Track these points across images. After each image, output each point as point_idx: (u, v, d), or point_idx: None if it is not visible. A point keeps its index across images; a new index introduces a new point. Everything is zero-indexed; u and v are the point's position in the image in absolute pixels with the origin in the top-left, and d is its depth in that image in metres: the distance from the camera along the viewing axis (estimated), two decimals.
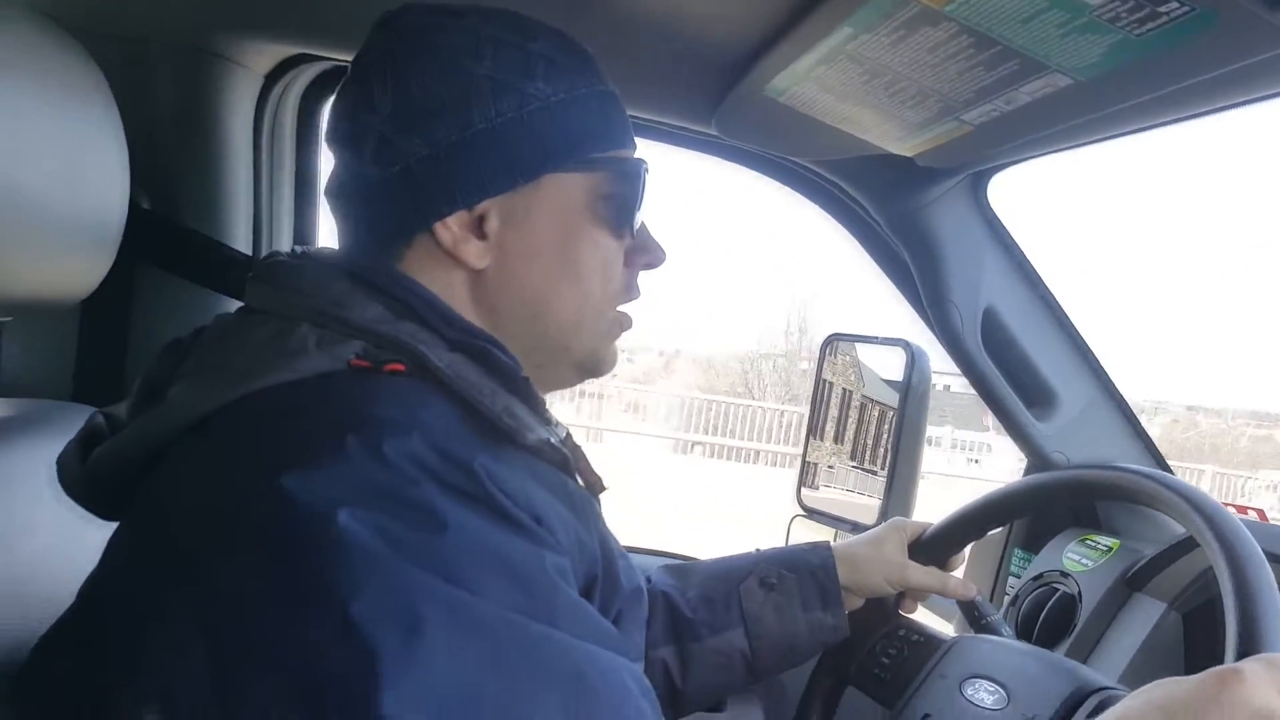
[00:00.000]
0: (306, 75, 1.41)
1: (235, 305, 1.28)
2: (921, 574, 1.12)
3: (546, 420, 0.73)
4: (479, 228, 0.74)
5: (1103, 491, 1.07)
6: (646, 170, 0.81)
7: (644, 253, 0.84)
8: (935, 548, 1.13)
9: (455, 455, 0.59)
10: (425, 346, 0.67)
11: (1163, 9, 0.65)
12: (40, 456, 0.73)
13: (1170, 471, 1.42)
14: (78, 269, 0.87)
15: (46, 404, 1.01)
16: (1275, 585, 0.81)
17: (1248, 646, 0.77)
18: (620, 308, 0.84)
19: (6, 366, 1.22)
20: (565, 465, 0.72)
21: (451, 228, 0.73)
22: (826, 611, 1.06)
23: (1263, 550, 0.84)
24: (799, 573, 1.08)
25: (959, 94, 0.87)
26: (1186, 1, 0.63)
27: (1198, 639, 1.23)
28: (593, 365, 0.82)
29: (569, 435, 0.77)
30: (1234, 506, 1.48)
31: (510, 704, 0.52)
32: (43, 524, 0.80)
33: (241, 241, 1.34)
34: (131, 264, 1.23)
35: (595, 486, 0.79)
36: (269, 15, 1.23)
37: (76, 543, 0.64)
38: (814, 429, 1.64)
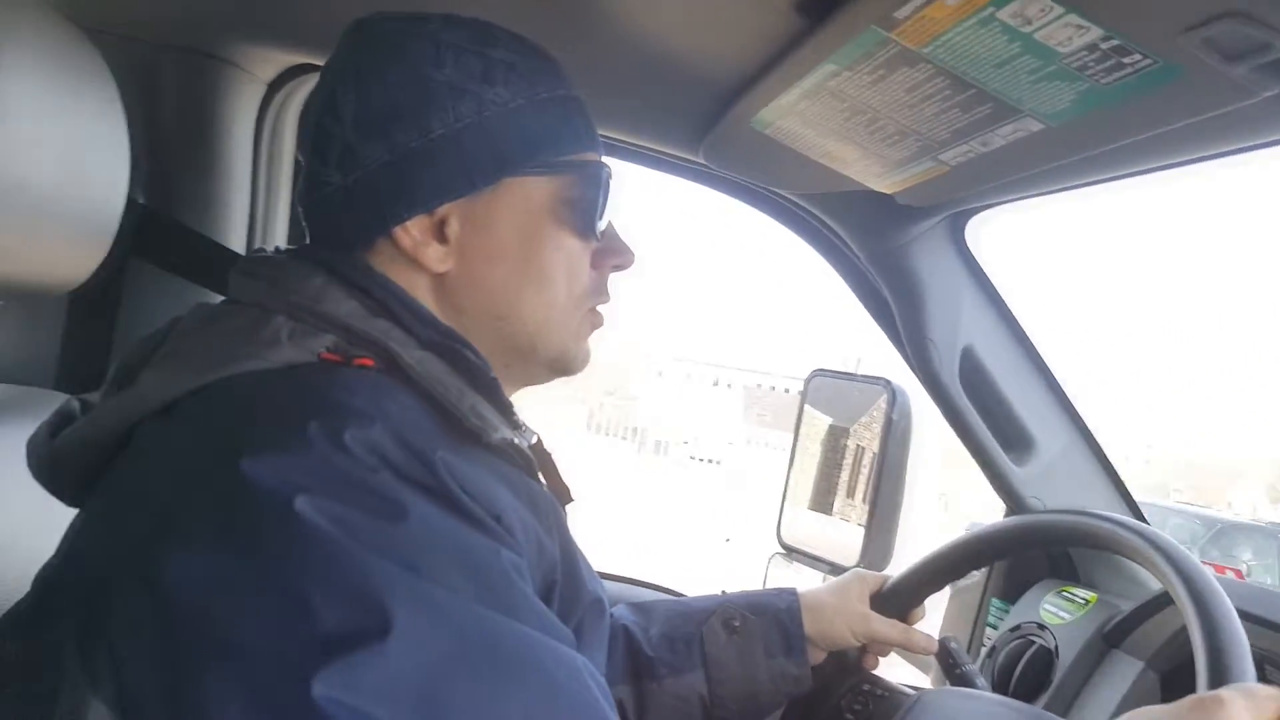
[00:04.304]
0: (309, 84, 1.41)
1: None
2: (885, 626, 1.10)
3: (515, 424, 0.73)
4: (440, 232, 0.75)
5: (1065, 537, 1.07)
6: (609, 174, 0.81)
7: (612, 255, 0.84)
8: (897, 599, 1.12)
9: (416, 447, 0.59)
10: (396, 344, 0.68)
11: (1127, 60, 0.67)
12: (16, 441, 0.73)
13: (1144, 520, 1.43)
14: (71, 259, 0.88)
15: (28, 390, 1.02)
16: (1238, 619, 0.82)
17: (1218, 679, 0.78)
18: (592, 307, 0.84)
19: None
20: (530, 468, 0.72)
21: (411, 232, 0.74)
22: (789, 659, 1.05)
23: (1237, 609, 0.84)
24: (764, 616, 1.06)
25: (936, 134, 0.90)
26: (1150, 54, 0.66)
27: (1175, 700, 1.23)
28: (563, 364, 0.83)
29: (539, 441, 0.78)
30: (1211, 565, 1.49)
31: (472, 693, 0.51)
32: (14, 506, 0.81)
33: (236, 241, 1.35)
34: (123, 258, 1.21)
35: (563, 495, 0.79)
36: (277, 23, 1.25)
37: (49, 527, 0.64)
38: (795, 464, 1.64)
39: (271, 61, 1.36)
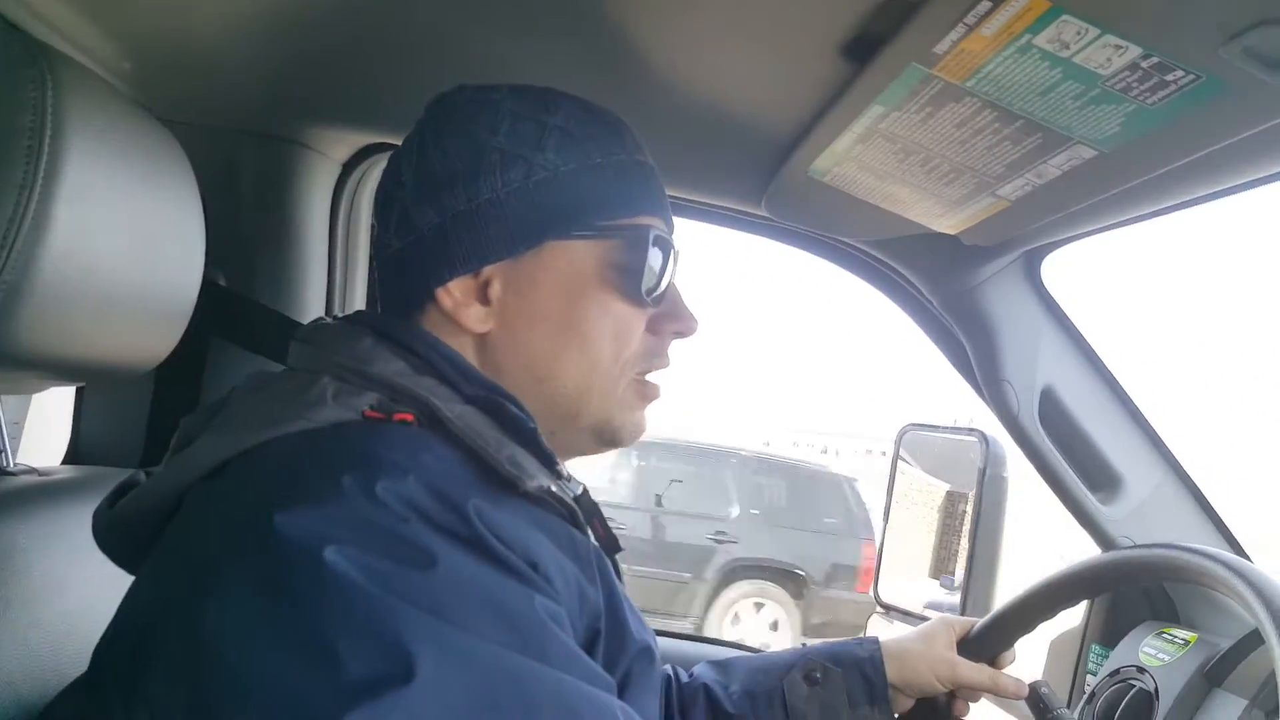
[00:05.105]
0: (383, 163, 1.45)
1: None
2: (972, 671, 1.08)
3: (557, 474, 0.73)
4: (483, 293, 0.77)
5: (1152, 571, 1.02)
6: (664, 238, 0.81)
7: (672, 320, 0.83)
8: (985, 643, 1.10)
9: (448, 497, 0.60)
10: (439, 399, 0.69)
11: (1170, 77, 0.66)
12: (88, 518, 0.75)
13: (1246, 557, 1.36)
14: (148, 340, 0.91)
15: (113, 471, 1.04)
16: None
17: None
18: (649, 376, 0.83)
19: (85, 433, 1.30)
20: (573, 517, 0.72)
21: (453, 293, 0.76)
22: (874, 707, 1.04)
23: None
24: (845, 667, 1.05)
25: (990, 169, 0.89)
26: (1191, 69, 0.65)
27: None
28: (610, 434, 0.82)
29: (585, 492, 0.77)
30: None
31: None
32: (84, 581, 0.83)
33: (312, 317, 1.37)
34: (205, 337, 1.28)
35: (609, 545, 0.78)
36: (348, 106, 1.30)
37: (117, 603, 0.66)
38: (891, 521, 1.61)
39: (344, 142, 1.41)
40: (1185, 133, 0.73)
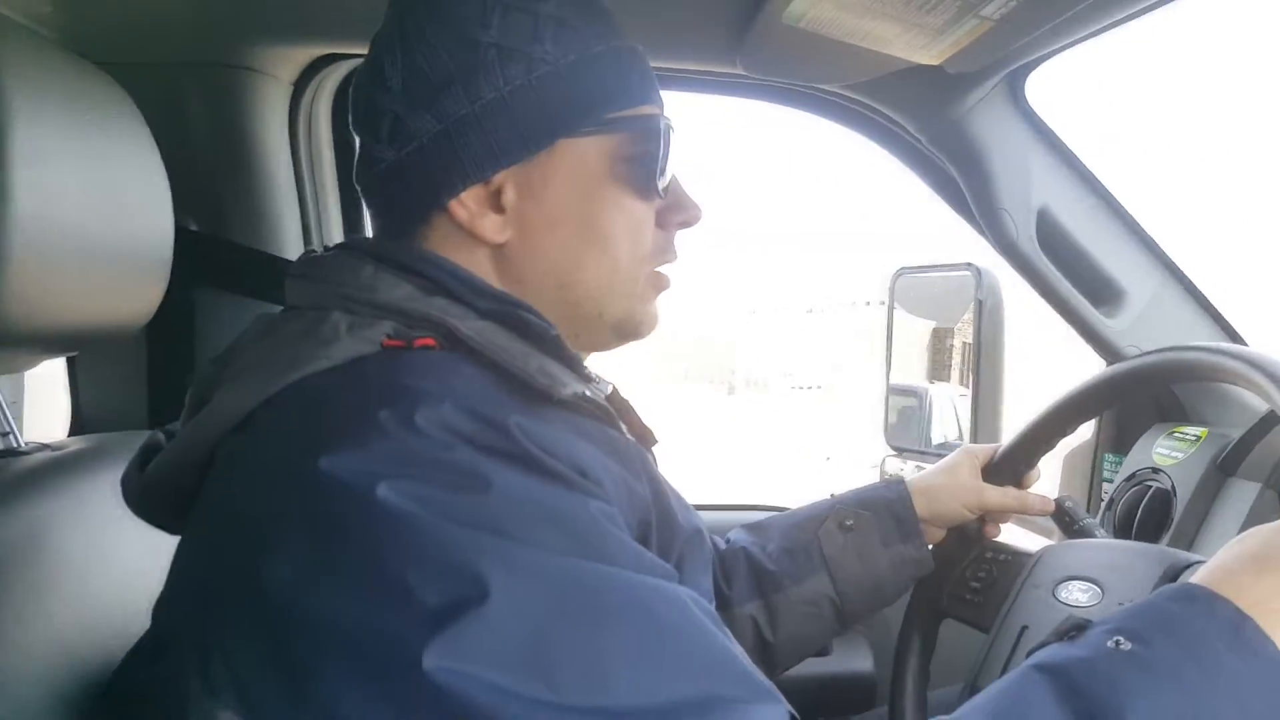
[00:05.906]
0: (336, 75, 1.42)
1: None
2: (998, 495, 1.10)
3: (586, 377, 0.72)
4: (496, 201, 0.73)
5: (1165, 374, 1.03)
6: (668, 126, 0.77)
7: (678, 211, 0.81)
8: (1010, 466, 1.12)
9: (489, 417, 0.59)
10: (455, 319, 0.67)
11: None
12: (115, 483, 0.74)
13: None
14: (132, 297, 0.88)
15: (123, 435, 1.03)
16: None
17: None
18: (658, 269, 0.81)
19: (85, 403, 1.27)
20: (609, 418, 0.71)
21: (467, 204, 0.72)
22: (907, 544, 1.06)
23: None
24: (875, 510, 1.07)
25: None
26: None
27: None
28: (630, 328, 0.80)
29: (615, 390, 0.77)
30: None
31: (578, 641, 0.52)
32: (125, 545, 0.83)
33: (293, 249, 1.35)
34: (189, 287, 1.25)
35: (646, 438, 0.78)
36: (288, 20, 1.24)
37: (160, 562, 0.65)
38: (894, 366, 1.63)
39: (290, 60, 1.34)
40: None
